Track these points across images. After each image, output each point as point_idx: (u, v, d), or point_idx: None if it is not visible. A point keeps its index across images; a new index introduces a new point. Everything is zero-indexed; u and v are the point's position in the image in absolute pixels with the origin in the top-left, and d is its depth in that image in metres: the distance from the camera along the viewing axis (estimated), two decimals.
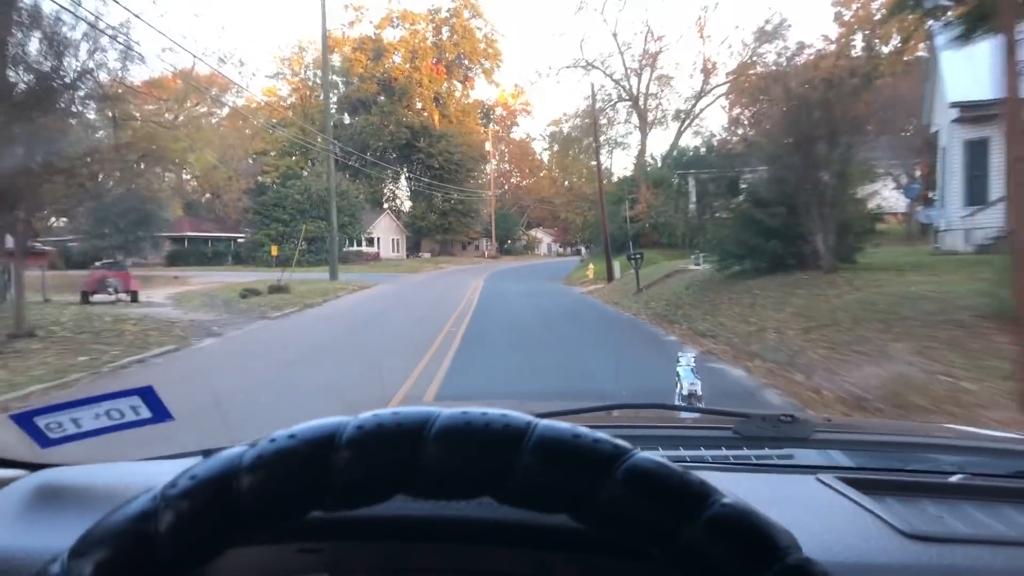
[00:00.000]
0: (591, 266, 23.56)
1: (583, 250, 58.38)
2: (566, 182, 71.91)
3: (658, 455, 0.37)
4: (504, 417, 0.37)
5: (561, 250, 68.89)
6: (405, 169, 52.83)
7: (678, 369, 1.77)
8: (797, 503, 0.52)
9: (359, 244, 46.76)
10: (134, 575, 0.35)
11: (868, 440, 1.21)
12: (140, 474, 0.58)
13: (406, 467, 0.36)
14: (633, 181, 30.93)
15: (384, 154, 50.58)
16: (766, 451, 1.01)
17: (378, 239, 47.83)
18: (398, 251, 50.88)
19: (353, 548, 0.77)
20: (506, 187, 67.47)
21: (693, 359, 1.79)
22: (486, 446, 0.36)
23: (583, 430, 0.37)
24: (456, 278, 25.70)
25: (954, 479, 0.87)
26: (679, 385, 1.72)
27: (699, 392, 1.66)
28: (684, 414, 1.45)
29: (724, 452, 1.03)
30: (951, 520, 0.76)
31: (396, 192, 57.44)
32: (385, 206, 52.05)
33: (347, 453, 0.36)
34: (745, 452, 1.02)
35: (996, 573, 0.63)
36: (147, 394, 0.76)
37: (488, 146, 59.68)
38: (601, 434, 0.37)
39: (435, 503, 0.59)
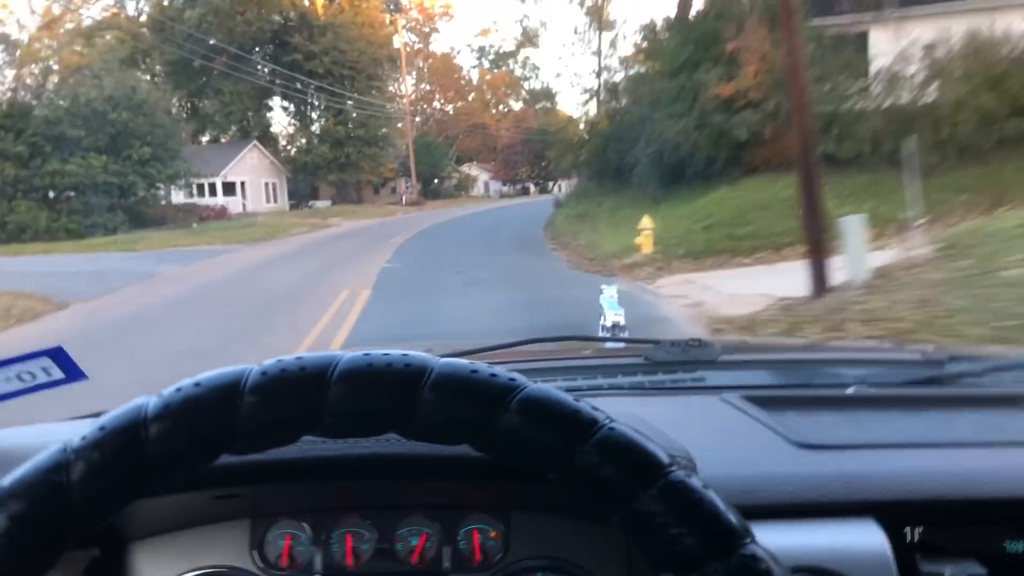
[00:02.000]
0: (645, 229, 12.02)
1: (558, 189, 50.75)
2: (500, 105, 63.26)
3: (554, 386, 0.43)
4: (405, 357, 0.42)
5: (505, 189, 61.12)
6: (274, 77, 39.11)
7: (601, 300, 1.89)
8: (700, 422, 0.63)
9: (204, 192, 35.13)
10: (49, 526, 0.39)
11: (774, 359, 1.34)
12: (61, 434, 0.58)
13: (311, 409, 0.41)
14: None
15: (245, 60, 36.57)
16: (679, 375, 1.13)
17: (242, 184, 36.31)
18: (275, 200, 39.21)
19: (271, 491, 0.84)
20: (427, 111, 58.01)
21: (616, 291, 1.93)
22: (388, 386, 0.41)
23: (481, 365, 0.42)
24: (309, 267, 13.93)
25: (850, 391, 0.98)
26: (603, 316, 1.85)
27: (622, 323, 1.80)
28: (603, 344, 1.56)
29: (640, 378, 1.13)
30: (845, 429, 0.85)
31: (270, 117, 44.81)
32: (255, 136, 39.91)
33: (252, 398, 0.40)
34: (660, 377, 1.13)
35: (881, 475, 0.72)
36: (57, 355, 0.79)
37: (398, 41, 46.75)
38: (498, 369, 0.42)
39: (346, 442, 0.67)
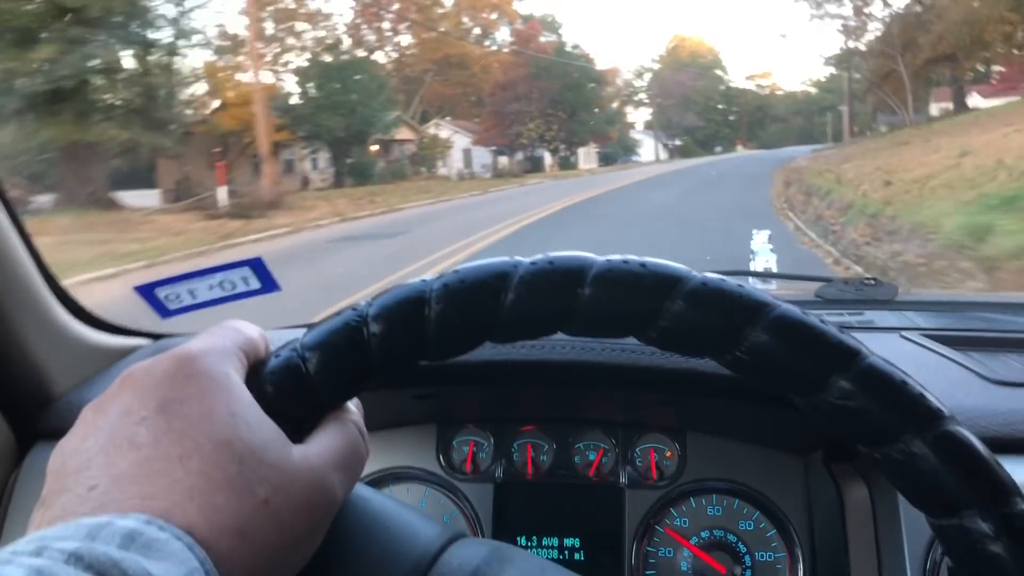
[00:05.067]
0: None
1: (586, 159, 44.28)
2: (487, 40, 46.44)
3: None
4: (662, 264, 0.47)
5: (501, 162, 41.57)
6: None
7: (752, 245, 2.13)
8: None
9: None
10: (351, 373, 0.48)
11: (952, 301, 1.40)
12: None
13: (567, 306, 0.46)
14: None
15: None
16: (845, 316, 1.21)
17: None
18: None
19: (458, 399, 0.99)
20: (371, 40, 39.59)
21: (768, 235, 2.09)
22: (642, 291, 0.46)
23: (732, 281, 0.47)
24: None
25: None
26: (752, 259, 2.12)
27: (772, 268, 2.03)
28: (763, 283, 1.58)
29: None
30: None
31: None
32: None
33: (521, 290, 0.46)
34: (833, 315, 1.24)
35: None
36: (257, 265, 0.90)
37: None
38: (747, 286, 0.47)
39: (537, 347, 0.85)
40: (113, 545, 0.35)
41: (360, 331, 0.47)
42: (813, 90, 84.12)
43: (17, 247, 0.98)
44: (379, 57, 39.73)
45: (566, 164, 44.28)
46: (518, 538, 0.99)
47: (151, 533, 0.36)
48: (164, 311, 0.88)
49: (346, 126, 29.17)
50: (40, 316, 0.99)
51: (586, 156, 52.33)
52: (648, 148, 65.21)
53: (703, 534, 0.94)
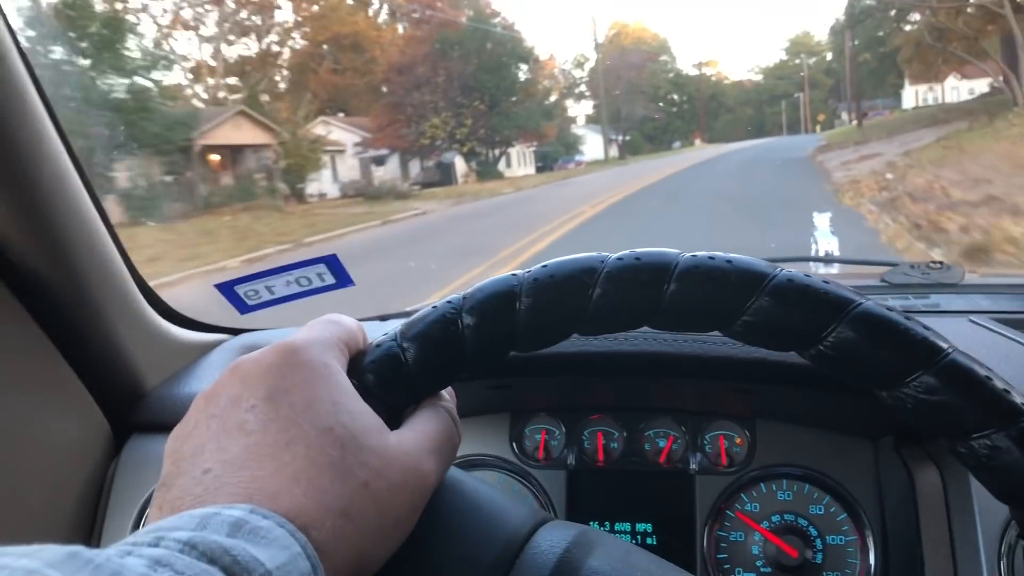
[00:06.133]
0: None
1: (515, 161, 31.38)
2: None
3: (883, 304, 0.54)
4: (747, 260, 0.51)
5: (379, 173, 29.85)
6: None
7: (814, 231, 2.32)
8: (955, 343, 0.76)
9: None
10: (446, 362, 0.52)
11: (1017, 284, 1.38)
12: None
13: (653, 301, 0.50)
14: None
15: None
16: (911, 300, 1.24)
17: None
18: None
19: (530, 389, 1.04)
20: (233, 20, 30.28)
21: (828, 219, 2.29)
22: (726, 287, 0.48)
23: (816, 277, 0.50)
24: None
25: None
26: (814, 243, 2.27)
27: (835, 252, 2.24)
28: (826, 268, 1.71)
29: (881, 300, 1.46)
30: None
31: None
32: None
33: (608, 285, 0.50)
34: (891, 302, 1.19)
35: None
36: (332, 262, 0.95)
37: None
38: (832, 281, 0.51)
39: (612, 340, 0.89)
40: (222, 533, 0.38)
41: (455, 323, 0.51)
42: (760, 78, 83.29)
43: (111, 250, 1.06)
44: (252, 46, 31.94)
45: (487, 171, 33.84)
46: (591, 523, 1.05)
47: (255, 521, 0.39)
48: (243, 307, 0.96)
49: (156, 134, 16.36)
50: (132, 316, 1.08)
51: (520, 158, 42.73)
52: (594, 145, 56.35)
53: (774, 518, 0.98)
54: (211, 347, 1.22)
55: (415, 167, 30.84)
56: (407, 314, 1.41)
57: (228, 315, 1.09)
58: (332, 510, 0.42)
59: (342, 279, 0.93)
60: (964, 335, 1.00)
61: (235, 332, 1.27)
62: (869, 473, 0.94)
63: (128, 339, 1.04)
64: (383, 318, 1.29)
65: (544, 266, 0.53)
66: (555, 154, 45.99)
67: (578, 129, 59.54)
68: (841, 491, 0.97)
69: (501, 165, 37.43)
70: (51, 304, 0.96)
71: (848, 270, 1.59)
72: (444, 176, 30.11)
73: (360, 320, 1.26)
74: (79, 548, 0.34)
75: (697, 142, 73.15)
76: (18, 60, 0.85)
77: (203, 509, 0.40)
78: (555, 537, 0.50)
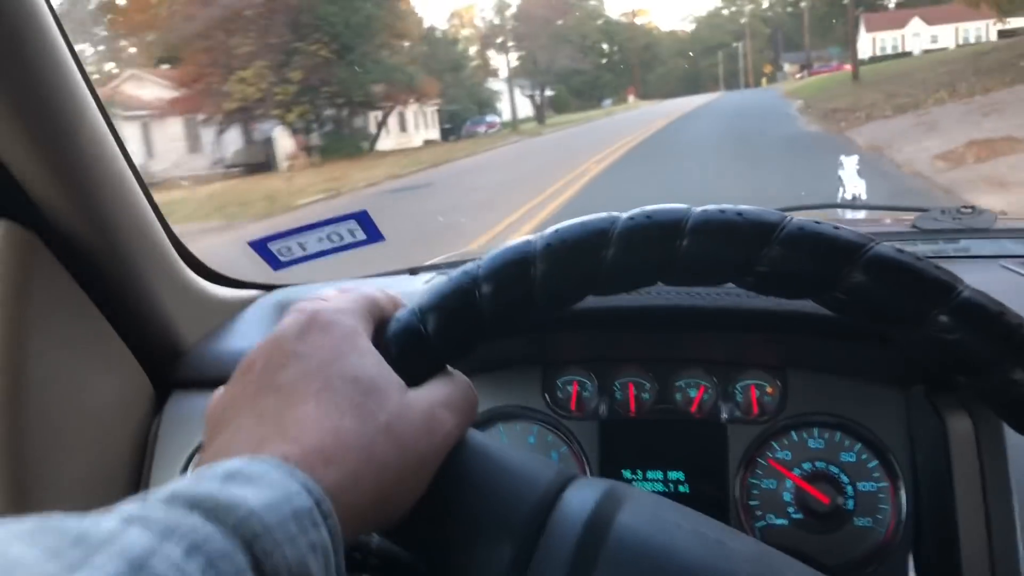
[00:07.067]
0: None
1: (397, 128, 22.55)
2: None
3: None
4: (758, 211, 0.51)
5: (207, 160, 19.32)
6: None
7: (840, 173, 1.91)
8: (987, 289, 0.64)
9: None
10: (465, 331, 0.54)
11: None
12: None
13: (666, 258, 0.51)
14: None
15: None
16: (941, 245, 1.23)
17: None
18: None
19: (565, 340, 1.05)
20: None
21: (856, 162, 1.93)
22: (739, 238, 0.49)
23: (827, 224, 0.50)
24: None
25: None
26: (841, 189, 1.87)
27: (863, 196, 1.83)
28: (853, 214, 1.67)
29: (912, 246, 1.28)
30: None
31: None
32: None
33: (620, 244, 0.51)
34: (921, 247, 1.27)
35: None
36: (362, 218, 0.96)
37: None
38: (843, 227, 0.51)
39: (643, 294, 0.91)
40: (215, 482, 0.39)
41: (472, 293, 0.53)
42: (693, 27, 79.33)
43: (146, 208, 1.06)
44: None
45: (340, 145, 23.98)
46: (623, 471, 1.07)
47: (251, 468, 0.40)
48: (276, 263, 0.98)
49: None
50: (169, 274, 1.09)
51: (418, 120, 32.59)
52: (520, 103, 47.80)
53: (805, 466, 0.99)
54: (247, 303, 1.23)
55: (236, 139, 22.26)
56: (437, 267, 1.34)
57: (261, 271, 1.10)
58: (355, 447, 0.45)
59: (372, 235, 0.94)
60: (995, 280, 1.01)
61: (269, 288, 1.27)
62: (901, 421, 0.95)
63: (166, 297, 1.06)
64: (413, 271, 1.30)
65: (556, 230, 0.54)
66: (465, 114, 38.55)
67: (498, 84, 50.92)
68: (872, 438, 0.98)
69: (393, 133, 27.76)
70: (90, 265, 0.96)
71: (879, 215, 1.62)
72: (262, 157, 21.37)
73: (390, 273, 1.26)
74: (50, 516, 0.33)
75: (631, 99, 68.23)
76: (55, 29, 0.83)
77: (208, 467, 0.41)
78: (585, 494, 0.51)
